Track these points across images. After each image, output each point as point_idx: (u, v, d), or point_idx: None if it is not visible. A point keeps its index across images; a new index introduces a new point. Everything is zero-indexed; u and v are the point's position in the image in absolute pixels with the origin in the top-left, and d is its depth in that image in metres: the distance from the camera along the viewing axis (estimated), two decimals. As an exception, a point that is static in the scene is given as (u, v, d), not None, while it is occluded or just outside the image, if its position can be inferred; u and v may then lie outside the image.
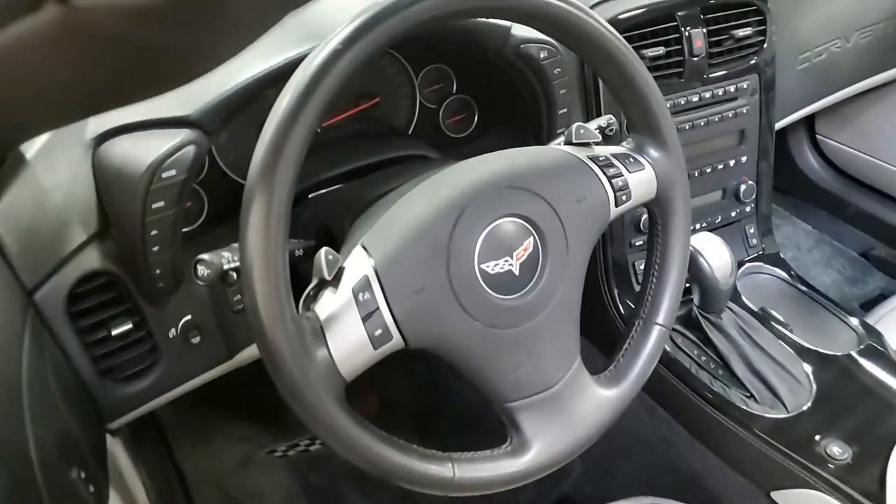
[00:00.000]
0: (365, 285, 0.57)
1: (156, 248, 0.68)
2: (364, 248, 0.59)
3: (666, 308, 0.70)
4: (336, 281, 0.58)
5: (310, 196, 0.85)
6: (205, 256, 0.60)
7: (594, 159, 0.67)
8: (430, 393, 1.39)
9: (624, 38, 0.63)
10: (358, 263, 0.58)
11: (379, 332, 0.56)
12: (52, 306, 0.67)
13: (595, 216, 0.66)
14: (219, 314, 0.78)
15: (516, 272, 0.61)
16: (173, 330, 0.75)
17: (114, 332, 0.71)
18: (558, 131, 0.90)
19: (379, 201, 0.70)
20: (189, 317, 0.76)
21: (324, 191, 0.85)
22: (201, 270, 0.60)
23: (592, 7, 0.90)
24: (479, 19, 0.77)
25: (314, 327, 0.55)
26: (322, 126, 0.92)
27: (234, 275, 0.60)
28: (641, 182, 0.68)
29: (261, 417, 1.28)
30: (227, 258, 0.61)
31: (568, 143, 0.71)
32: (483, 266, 0.60)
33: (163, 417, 1.21)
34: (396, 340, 0.57)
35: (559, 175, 0.65)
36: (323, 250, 0.57)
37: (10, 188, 0.65)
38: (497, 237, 0.61)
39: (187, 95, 0.68)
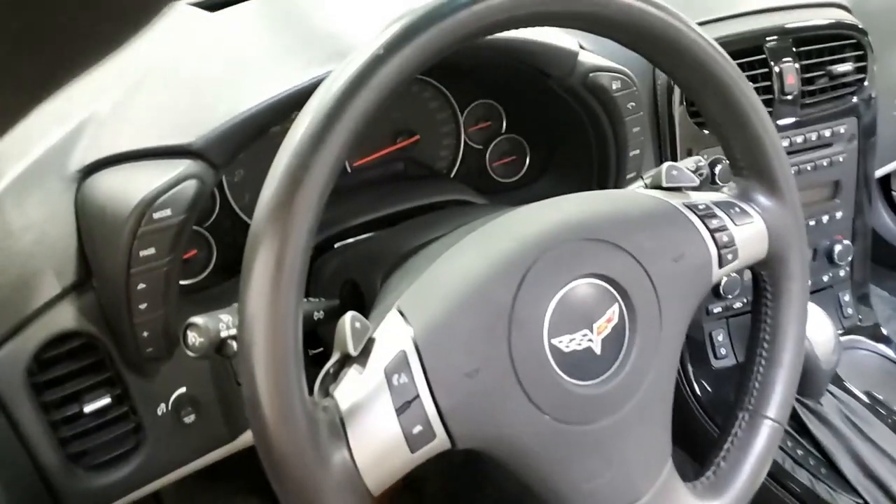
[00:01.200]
0: (401, 364, 0.43)
1: (143, 306, 0.55)
2: (401, 313, 0.46)
3: (779, 398, 0.56)
4: (364, 357, 0.44)
5: (335, 246, 0.72)
6: (197, 320, 0.47)
7: (692, 208, 0.54)
8: (463, 470, 1.23)
9: None
10: (392, 334, 0.45)
11: (418, 428, 0.42)
12: (7, 374, 0.54)
13: (695, 279, 0.52)
14: (219, 386, 0.65)
15: (597, 350, 0.47)
16: (163, 406, 0.61)
17: (88, 409, 0.58)
18: (628, 177, 0.76)
19: (418, 254, 0.57)
20: (183, 389, 0.62)
21: (352, 240, 0.72)
22: (192, 338, 0.47)
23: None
24: (547, 41, 0.65)
25: (332, 421, 0.42)
26: (353, 165, 0.80)
27: (235, 344, 0.47)
28: (750, 238, 0.54)
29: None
30: (225, 322, 0.48)
31: (656, 186, 0.57)
32: (555, 342, 0.46)
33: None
34: (440, 440, 0.43)
35: (651, 226, 0.51)
36: (348, 316, 0.44)
37: (-30, 229, 0.53)
38: (573, 304, 0.47)
39: (189, 121, 0.56)
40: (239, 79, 0.60)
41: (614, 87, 0.69)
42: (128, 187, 0.53)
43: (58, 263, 0.56)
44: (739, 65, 0.54)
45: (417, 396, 0.43)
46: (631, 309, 0.49)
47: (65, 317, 0.56)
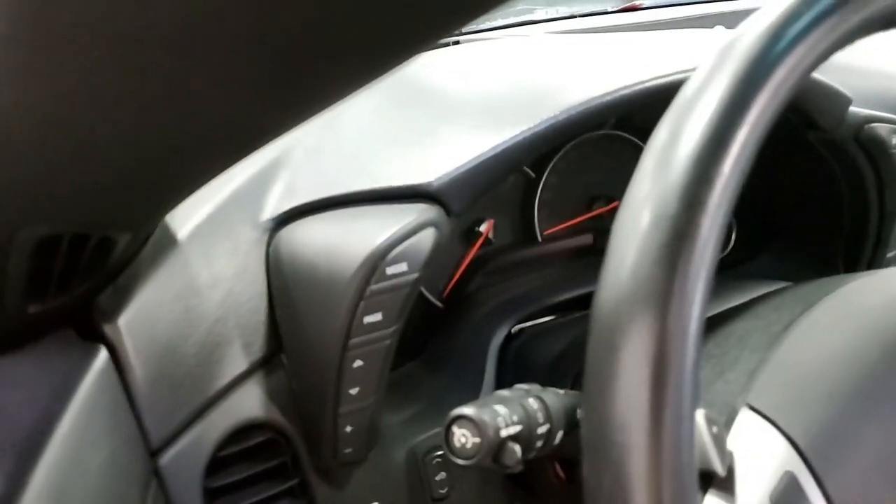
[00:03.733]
0: (793, 492, 0.29)
1: (355, 391, 0.42)
2: (760, 413, 0.32)
3: None
4: (731, 480, 0.30)
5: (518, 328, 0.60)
6: (468, 412, 0.34)
7: None
8: None
9: None
10: (759, 445, 0.31)
11: None
12: (183, 476, 0.40)
13: None
14: (413, 500, 0.50)
15: None
16: (351, 526, 0.47)
17: None
18: (889, 255, 0.62)
19: (714, 336, 0.43)
20: (375, 504, 0.48)
21: (530, 323, 0.60)
22: (460, 438, 0.34)
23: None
24: (823, 81, 0.54)
25: None
26: (543, 234, 0.68)
27: (517, 449, 0.33)
28: None
29: None
30: (503, 417, 0.34)
31: None
32: None
33: None
34: None
35: None
36: (700, 416, 0.30)
37: (149, 283, 0.41)
38: None
39: (421, 161, 0.45)
40: (477, 117, 0.50)
41: (894, 141, 0.57)
42: (351, 236, 0.42)
43: (246, 332, 0.44)
44: None
45: None
46: None
47: (250, 402, 0.43)
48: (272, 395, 0.44)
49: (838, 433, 0.31)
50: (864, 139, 0.56)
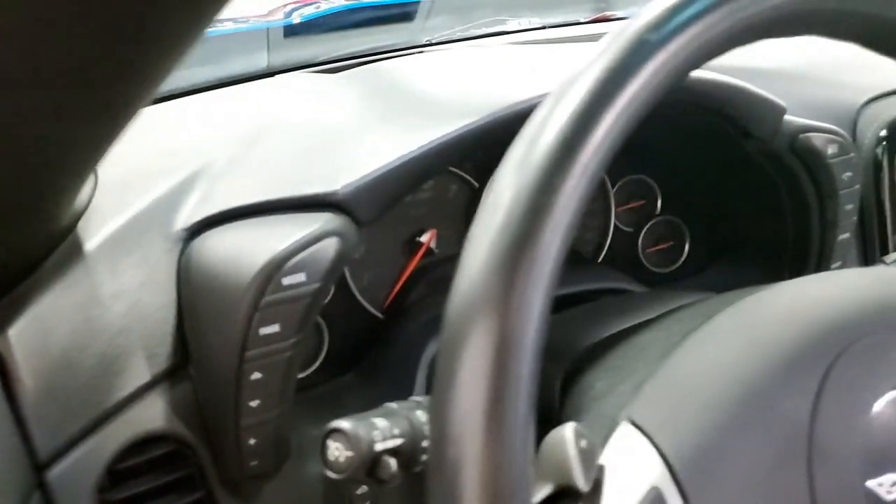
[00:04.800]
0: None
1: (255, 403, 0.41)
2: (639, 428, 0.31)
3: None
4: (597, 496, 0.29)
5: None
6: (344, 425, 0.33)
7: None
8: None
9: None
10: (632, 460, 0.30)
11: None
12: (74, 489, 0.40)
13: None
14: (332, 515, 0.50)
15: None
16: (261, 541, 0.46)
17: None
18: (833, 266, 0.61)
19: (621, 346, 0.43)
20: (287, 518, 0.47)
21: None
22: (334, 451, 0.33)
23: None
24: (755, 90, 0.53)
25: None
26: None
27: (392, 463, 0.33)
28: None
29: None
30: (382, 431, 0.34)
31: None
32: (872, 484, 0.31)
33: None
34: None
35: None
36: (570, 430, 0.30)
37: (48, 294, 0.41)
38: (890, 426, 0.32)
39: (330, 169, 0.45)
40: (387, 127, 0.50)
41: (830, 151, 0.56)
42: (251, 245, 0.41)
43: (151, 343, 0.43)
44: None
45: None
46: None
47: (152, 414, 0.42)
48: (177, 407, 0.43)
49: (710, 450, 0.30)
50: (799, 149, 0.56)
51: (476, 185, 0.65)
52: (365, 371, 0.59)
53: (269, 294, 0.40)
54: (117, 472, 0.42)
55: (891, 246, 0.65)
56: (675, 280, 0.73)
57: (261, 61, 0.81)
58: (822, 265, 0.61)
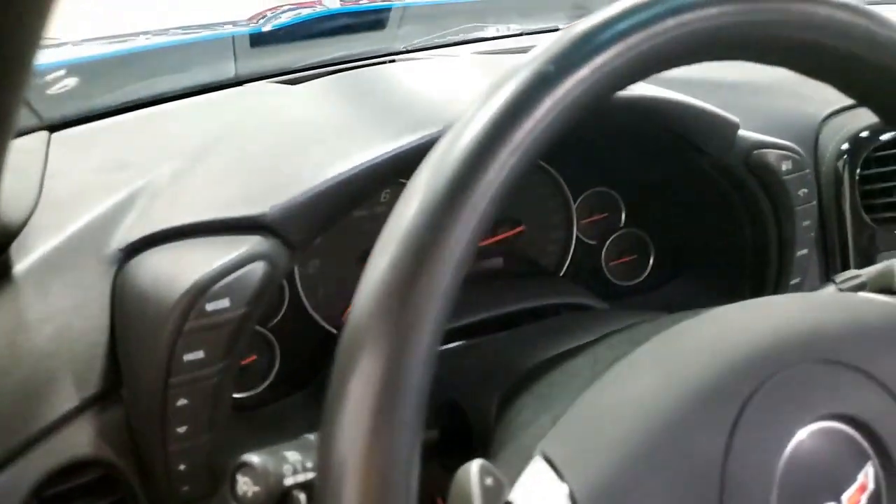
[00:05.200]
0: None
1: (182, 430, 0.41)
2: (549, 462, 0.31)
3: None
4: None
5: None
6: (252, 459, 0.33)
7: None
8: None
9: None
10: (541, 496, 0.30)
11: None
12: None
13: None
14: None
15: None
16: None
17: None
18: (792, 283, 0.61)
19: (554, 372, 0.42)
20: (225, 543, 0.47)
21: (448, 346, 0.58)
22: (243, 486, 0.32)
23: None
24: (706, 107, 0.52)
25: None
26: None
27: (302, 498, 0.32)
28: None
29: None
30: (293, 465, 0.33)
31: (884, 290, 0.41)
32: None
33: None
34: None
35: None
36: (475, 467, 0.29)
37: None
38: (810, 460, 0.31)
39: (263, 189, 0.44)
40: (328, 144, 0.49)
41: (784, 167, 0.55)
42: (177, 270, 0.41)
43: (81, 367, 0.43)
44: None
45: None
46: (891, 470, 0.32)
47: (80, 439, 0.42)
48: (107, 432, 0.43)
49: (618, 488, 0.29)
50: (753, 166, 0.55)
51: None
52: (317, 390, 0.58)
53: (192, 320, 0.39)
54: (45, 499, 0.41)
55: (852, 261, 0.64)
56: (640, 293, 0.72)
57: (228, 70, 0.81)
58: (781, 281, 0.61)
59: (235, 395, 0.56)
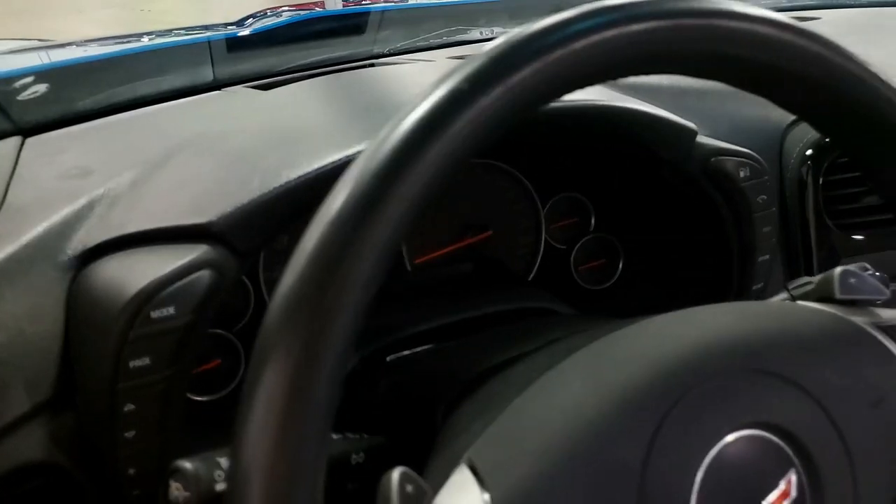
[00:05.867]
0: None
1: (130, 434, 0.42)
2: (473, 470, 0.31)
3: None
4: None
5: (387, 359, 0.58)
6: (185, 465, 0.33)
7: (887, 330, 0.38)
8: None
9: None
10: (462, 502, 0.30)
11: None
12: None
13: None
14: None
15: None
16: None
17: None
18: (754, 288, 0.61)
19: (494, 379, 0.43)
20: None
21: (408, 352, 0.59)
22: (174, 491, 0.33)
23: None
24: (662, 114, 0.52)
25: None
26: (413, 263, 0.67)
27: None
28: None
29: None
30: (225, 470, 0.34)
31: (823, 299, 0.42)
32: None
33: None
34: None
35: (834, 355, 0.36)
36: (396, 475, 0.30)
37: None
38: (732, 470, 0.32)
39: (213, 197, 0.45)
40: (282, 151, 0.49)
41: (742, 174, 0.55)
42: (125, 277, 0.41)
43: (33, 373, 0.43)
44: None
45: None
46: (815, 478, 0.33)
47: (31, 444, 0.43)
48: (59, 437, 0.44)
49: (534, 494, 0.30)
50: (711, 173, 0.55)
51: None
52: None
53: (137, 327, 0.40)
54: None
55: (815, 266, 0.64)
56: (609, 297, 0.72)
57: (206, 75, 0.81)
58: (743, 286, 0.61)
59: (200, 399, 0.56)
